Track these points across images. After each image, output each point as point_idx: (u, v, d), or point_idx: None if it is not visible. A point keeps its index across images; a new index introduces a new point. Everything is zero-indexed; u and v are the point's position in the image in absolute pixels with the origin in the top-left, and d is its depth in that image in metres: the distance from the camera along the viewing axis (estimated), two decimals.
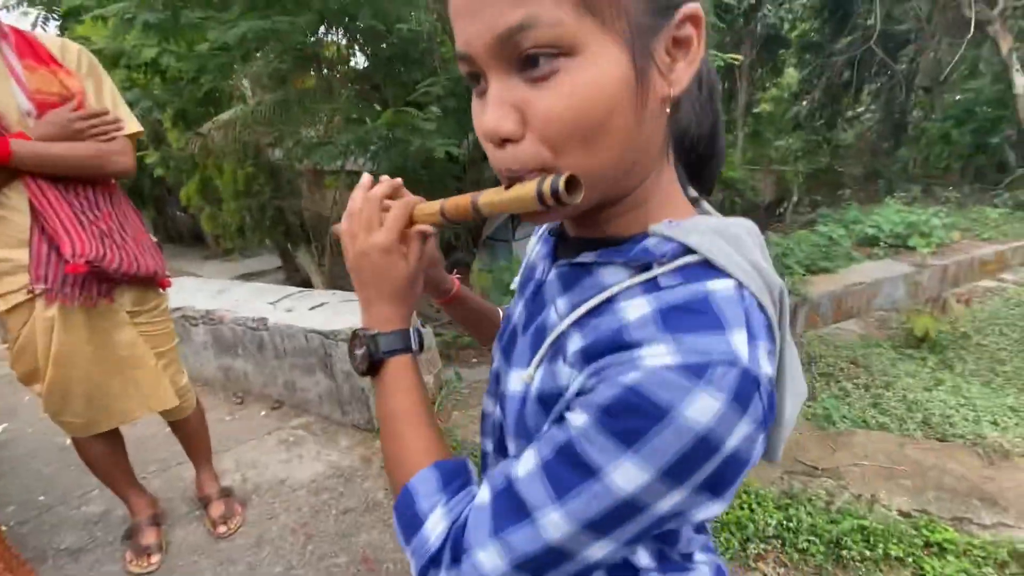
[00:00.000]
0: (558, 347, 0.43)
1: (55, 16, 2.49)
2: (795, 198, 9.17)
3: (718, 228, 0.42)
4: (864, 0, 8.53)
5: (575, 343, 0.41)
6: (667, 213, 0.44)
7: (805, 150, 10.44)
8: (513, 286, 0.63)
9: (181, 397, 1.64)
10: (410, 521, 0.47)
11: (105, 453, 1.61)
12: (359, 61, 5.65)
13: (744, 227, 0.44)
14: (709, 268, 0.40)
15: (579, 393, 0.38)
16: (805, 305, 3.77)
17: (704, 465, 0.35)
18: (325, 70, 5.44)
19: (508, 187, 0.39)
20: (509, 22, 0.34)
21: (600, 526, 0.37)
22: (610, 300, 0.41)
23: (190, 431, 1.78)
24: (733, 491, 0.39)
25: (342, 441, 2.28)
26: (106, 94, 1.42)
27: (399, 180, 0.56)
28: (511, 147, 0.38)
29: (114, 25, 2.37)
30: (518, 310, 0.55)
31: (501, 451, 0.55)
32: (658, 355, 0.35)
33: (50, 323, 1.34)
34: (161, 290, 1.57)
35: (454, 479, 0.49)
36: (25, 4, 2.45)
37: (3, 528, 1.76)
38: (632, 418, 0.34)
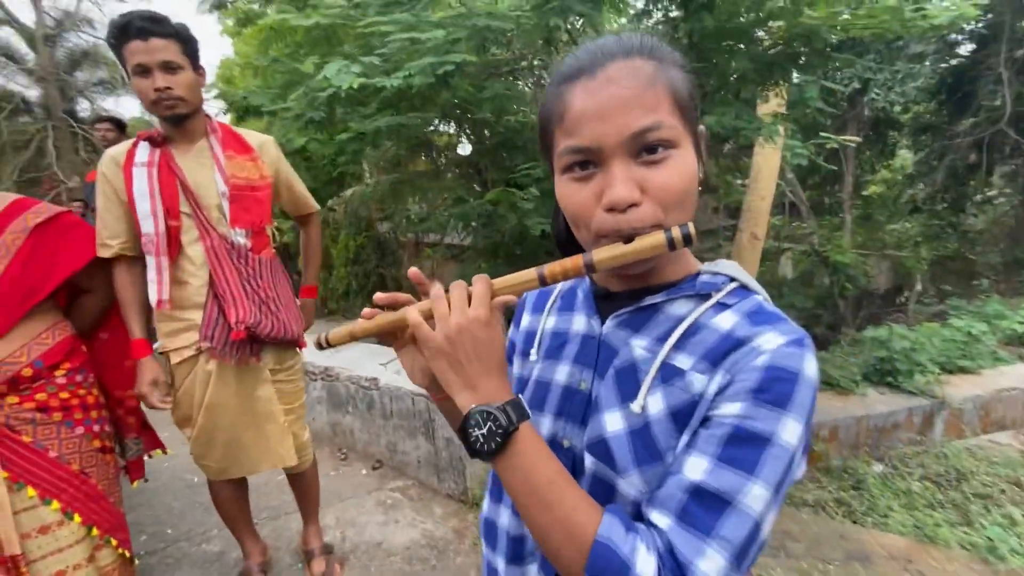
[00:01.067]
0: (666, 371, 0.54)
1: (236, 112, 3.06)
2: (919, 287, 8.32)
3: (736, 267, 0.60)
4: (988, 81, 8.03)
5: (686, 359, 0.54)
6: (690, 259, 0.62)
7: (927, 235, 9.58)
8: (533, 356, 0.68)
9: (302, 451, 1.76)
10: (619, 570, 0.47)
11: (231, 498, 1.74)
12: (465, 147, 6.19)
13: (738, 266, 0.61)
14: (744, 290, 0.58)
15: (720, 391, 0.50)
16: (944, 410, 3.30)
17: (814, 403, 0.49)
18: (435, 155, 6.05)
19: (628, 241, 0.51)
20: (643, 124, 0.50)
21: (781, 484, 0.47)
22: (695, 323, 0.55)
23: (304, 485, 1.88)
24: None
25: (436, 509, 2.28)
26: (294, 182, 1.72)
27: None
28: (634, 211, 0.52)
29: (282, 121, 2.85)
30: (562, 372, 0.63)
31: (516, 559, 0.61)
32: (772, 339, 0.50)
33: (208, 376, 1.53)
34: (298, 350, 1.74)
35: (626, 517, 0.51)
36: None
37: (136, 561, 1.92)
38: (778, 385, 0.47)
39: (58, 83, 11.96)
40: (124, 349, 1.54)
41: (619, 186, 0.51)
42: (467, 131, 5.11)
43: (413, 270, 0.58)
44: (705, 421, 0.50)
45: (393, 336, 0.60)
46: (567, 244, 0.66)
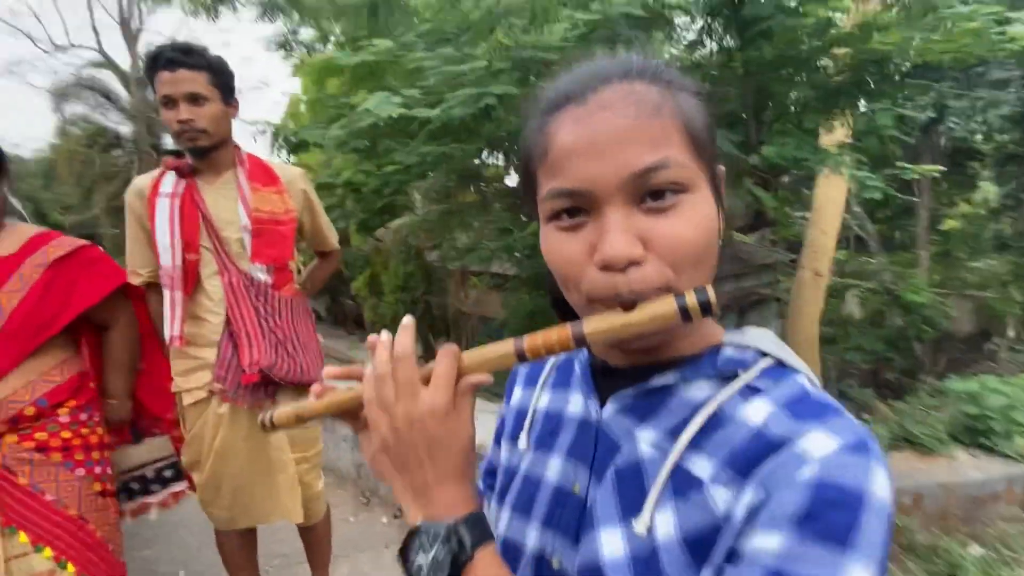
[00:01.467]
0: (679, 478, 0.41)
1: (287, 146, 3.19)
2: (1011, 332, 7.51)
3: (770, 336, 0.47)
4: None
5: (705, 465, 0.41)
6: (713, 327, 0.48)
7: (1017, 274, 8.70)
8: (522, 444, 0.54)
9: (314, 503, 1.67)
10: None
11: (238, 547, 1.66)
12: (512, 178, 6.22)
13: (774, 335, 0.48)
14: (782, 367, 0.44)
15: (751, 513, 0.37)
16: None
17: (888, 539, 0.35)
18: (483, 186, 6.11)
19: (629, 309, 0.40)
20: (647, 162, 0.39)
21: None
22: (716, 414, 0.42)
23: (314, 538, 1.79)
24: None
25: None
26: (319, 217, 1.68)
27: (411, 322, 0.45)
28: (635, 270, 0.40)
29: (328, 150, 2.91)
30: (553, 468, 0.49)
31: None
32: (822, 441, 0.37)
33: (219, 420, 1.47)
34: None
35: None
36: (267, 134, 3.17)
37: None
38: (835, 512, 0.34)
39: (147, 120, 13.16)
40: (164, 374, 1.54)
41: (616, 238, 0.39)
42: (514, 162, 5.14)
43: (371, 337, 0.45)
44: (732, 556, 0.37)
45: (352, 416, 0.48)
46: (562, 304, 0.52)
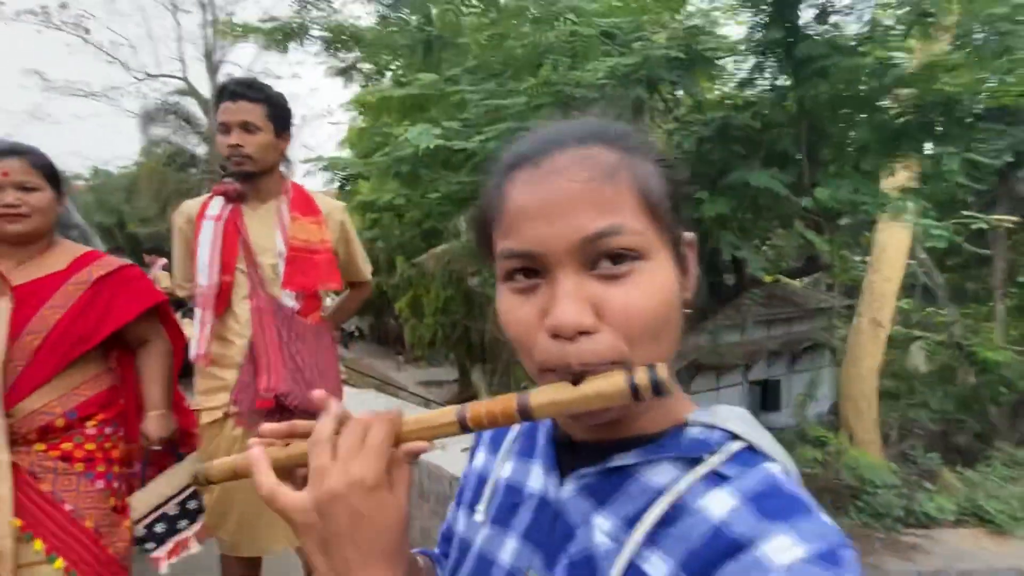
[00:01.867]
0: (631, 574, 0.38)
1: (340, 178, 3.35)
2: None
3: (743, 416, 0.43)
4: None
5: (659, 563, 0.38)
6: (680, 403, 0.45)
7: None
8: (479, 516, 0.49)
9: None
10: None
11: (240, 574, 1.65)
12: None
13: (748, 414, 0.44)
14: (754, 453, 0.41)
15: None
16: None
17: None
18: None
19: (576, 383, 0.37)
20: (599, 227, 0.38)
21: None
22: (676, 503, 0.39)
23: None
24: None
25: None
26: (354, 249, 1.72)
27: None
28: (586, 340, 0.37)
29: (374, 177, 3.02)
30: (509, 549, 0.46)
31: None
32: (784, 548, 0.34)
33: (233, 441, 1.49)
34: None
35: None
36: (321, 168, 3.34)
37: None
38: None
39: None
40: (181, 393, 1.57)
41: (566, 306, 0.37)
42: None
43: (318, 392, 0.42)
44: None
45: (288, 475, 0.44)
46: None
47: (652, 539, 0.38)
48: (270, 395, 1.40)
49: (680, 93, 3.51)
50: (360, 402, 2.94)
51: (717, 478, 0.39)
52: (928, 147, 3.39)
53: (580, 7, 2.18)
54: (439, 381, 13.18)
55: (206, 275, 1.48)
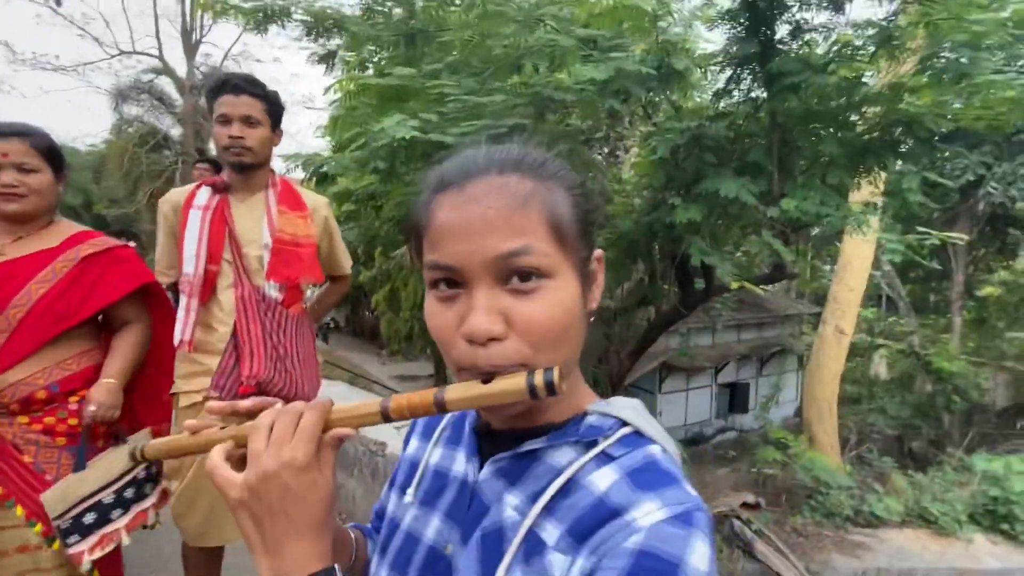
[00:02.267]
0: (530, 543, 0.44)
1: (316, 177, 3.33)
2: None
3: (634, 406, 0.51)
4: None
5: (553, 530, 0.44)
6: (584, 396, 0.52)
7: None
8: (408, 498, 0.56)
9: None
10: None
11: (203, 564, 1.65)
12: None
13: (640, 405, 0.52)
14: (640, 436, 0.48)
15: None
16: None
17: None
18: None
19: (486, 382, 0.43)
20: (512, 247, 0.43)
21: None
22: (571, 479, 0.45)
23: None
24: None
25: None
26: (336, 243, 1.74)
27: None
28: (496, 345, 0.43)
29: (350, 170, 3.01)
30: (433, 526, 0.52)
31: None
32: (650, 512, 0.40)
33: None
34: None
35: None
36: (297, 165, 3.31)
37: None
38: None
39: (195, 126, 13.85)
40: (166, 385, 1.56)
41: (479, 316, 0.43)
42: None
43: (248, 392, 0.47)
44: None
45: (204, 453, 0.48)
46: None
47: (548, 510, 0.45)
48: (252, 382, 1.42)
49: (659, 98, 3.58)
50: (333, 395, 2.91)
51: (606, 457, 0.46)
52: (898, 164, 3.54)
53: (559, 16, 2.22)
54: (414, 376, 13.13)
55: (193, 264, 1.50)
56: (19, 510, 1.28)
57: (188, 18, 13.88)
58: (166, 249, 1.60)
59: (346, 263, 1.83)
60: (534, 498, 0.46)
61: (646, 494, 0.42)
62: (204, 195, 1.58)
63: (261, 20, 3.26)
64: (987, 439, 8.00)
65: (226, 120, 1.51)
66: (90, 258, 1.41)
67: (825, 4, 3.22)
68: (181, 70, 14.27)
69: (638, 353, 5.11)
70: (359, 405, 0.45)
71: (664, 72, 2.48)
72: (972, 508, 3.23)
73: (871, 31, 2.87)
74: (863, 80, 3.13)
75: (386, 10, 3.34)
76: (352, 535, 0.59)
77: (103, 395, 1.37)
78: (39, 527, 1.30)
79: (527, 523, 0.44)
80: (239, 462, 0.44)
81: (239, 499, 0.42)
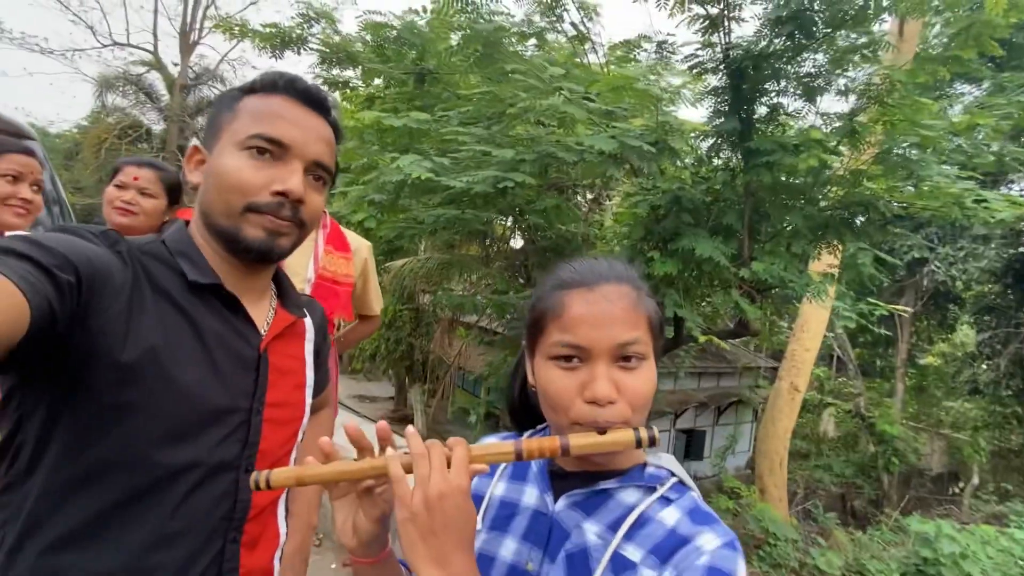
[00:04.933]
0: (617, 562, 0.57)
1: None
2: (975, 479, 7.57)
3: (673, 461, 0.66)
4: None
5: (635, 552, 0.57)
6: (638, 450, 0.64)
7: (988, 422, 8.86)
8: (478, 524, 0.65)
9: None
10: None
11: None
12: (518, 241, 6.46)
13: (674, 460, 0.67)
14: (682, 485, 0.64)
15: None
16: None
17: None
18: (488, 243, 6.34)
19: (602, 433, 0.56)
20: (628, 337, 0.59)
21: None
22: (642, 514, 0.59)
23: None
24: None
25: None
26: (370, 285, 1.85)
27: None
28: (610, 407, 0.57)
29: (351, 200, 3.12)
30: (509, 547, 0.63)
31: None
32: (711, 540, 0.56)
33: None
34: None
35: None
36: None
37: None
38: None
39: (180, 124, 13.66)
40: None
41: (603, 384, 0.58)
42: (521, 228, 5.38)
43: (381, 424, 0.55)
44: None
45: (341, 486, 0.56)
46: (519, 412, 0.75)
47: (628, 537, 0.58)
48: None
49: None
50: None
51: (666, 500, 0.61)
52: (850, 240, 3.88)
53: (574, 89, 2.44)
54: (373, 396, 12.88)
55: None
56: None
57: (188, 18, 13.87)
58: None
59: (376, 305, 1.92)
60: (613, 527, 0.59)
61: (704, 528, 0.57)
62: None
63: (278, 45, 3.39)
64: (922, 503, 8.39)
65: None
66: None
67: (799, 93, 3.60)
68: (173, 70, 14.16)
69: None
70: (494, 446, 0.56)
71: (660, 147, 2.74)
72: (905, 568, 3.41)
73: (837, 123, 3.21)
74: (827, 164, 3.47)
75: (398, 49, 3.52)
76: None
77: None
78: None
79: (613, 545, 0.58)
80: (363, 493, 0.56)
81: (414, 514, 0.49)
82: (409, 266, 7.25)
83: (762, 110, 3.62)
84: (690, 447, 10.78)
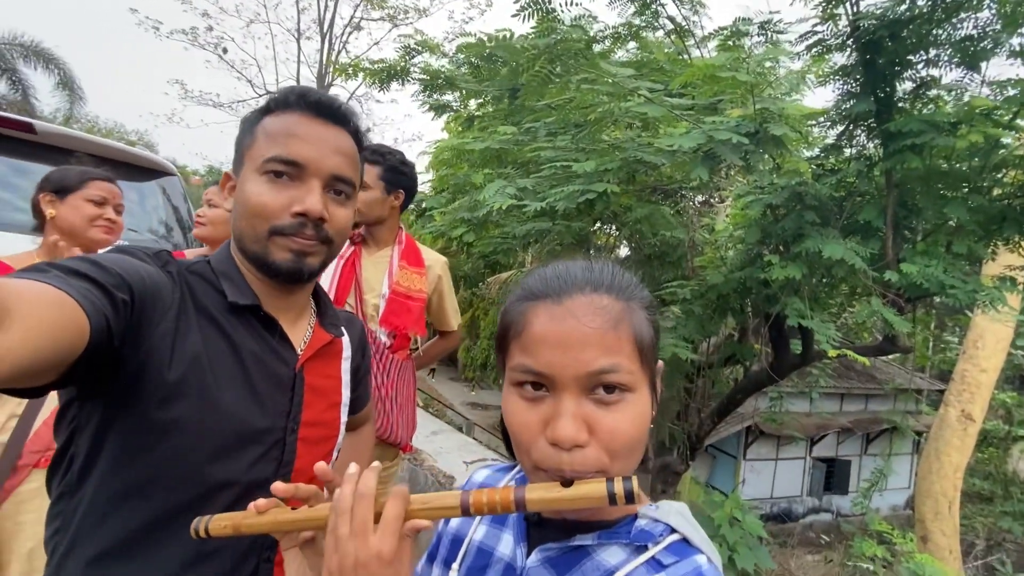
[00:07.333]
0: None
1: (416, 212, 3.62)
2: None
3: (681, 511, 0.52)
4: None
5: None
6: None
7: None
8: (455, 572, 0.57)
9: None
10: None
11: None
12: (624, 250, 6.26)
13: (686, 510, 0.52)
14: (687, 545, 0.49)
15: None
16: None
17: None
18: (593, 252, 6.22)
19: (566, 485, 0.44)
20: (602, 365, 0.46)
21: None
22: None
23: None
24: None
25: None
26: (446, 301, 1.86)
27: (378, 465, 0.49)
28: (579, 452, 0.46)
29: (446, 218, 3.25)
30: None
31: None
32: None
33: None
34: (401, 454, 1.79)
35: None
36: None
37: None
38: None
39: None
40: None
41: (567, 423, 0.46)
42: (625, 237, 5.21)
43: (319, 465, 0.49)
44: None
45: (283, 533, 0.51)
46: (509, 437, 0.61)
47: None
48: None
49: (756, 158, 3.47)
50: None
51: (656, 564, 0.47)
52: None
53: (653, 88, 2.26)
54: (485, 404, 13.29)
55: None
56: None
57: (323, 64, 15.78)
58: None
59: (453, 320, 1.93)
60: None
61: None
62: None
63: (384, 79, 3.66)
64: None
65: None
66: None
67: (956, 61, 2.98)
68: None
69: (721, 413, 4.80)
70: (438, 496, 0.47)
71: (759, 138, 2.42)
72: None
73: (1012, 92, 2.61)
74: (999, 142, 2.83)
75: (494, 67, 3.61)
76: None
77: None
78: None
79: None
80: (306, 544, 0.49)
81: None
82: (513, 278, 7.38)
83: (906, 85, 3.07)
84: (831, 479, 9.48)
